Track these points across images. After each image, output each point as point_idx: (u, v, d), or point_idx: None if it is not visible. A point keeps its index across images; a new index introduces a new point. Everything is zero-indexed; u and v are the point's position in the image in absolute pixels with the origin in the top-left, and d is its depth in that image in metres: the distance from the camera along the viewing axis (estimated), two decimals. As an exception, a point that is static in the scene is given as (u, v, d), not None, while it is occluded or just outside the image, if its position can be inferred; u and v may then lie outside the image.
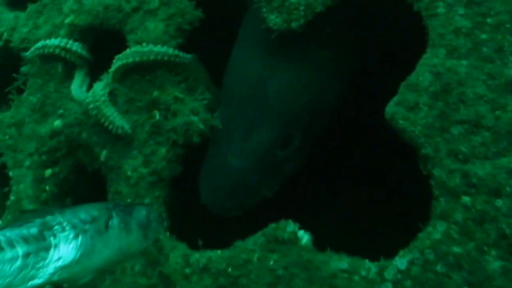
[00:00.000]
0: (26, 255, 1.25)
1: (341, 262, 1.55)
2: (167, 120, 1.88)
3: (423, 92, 1.59)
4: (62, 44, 2.11)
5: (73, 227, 1.31)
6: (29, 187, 2.06)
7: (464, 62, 1.59)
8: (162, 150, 1.86)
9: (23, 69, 2.26)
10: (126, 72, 1.97)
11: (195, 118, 1.85)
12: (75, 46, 2.11)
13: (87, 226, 1.32)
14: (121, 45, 2.01)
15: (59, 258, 1.28)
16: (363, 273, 1.52)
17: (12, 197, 2.10)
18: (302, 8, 1.75)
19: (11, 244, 1.26)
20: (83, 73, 2.12)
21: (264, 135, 1.81)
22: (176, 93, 1.90)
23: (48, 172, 2.06)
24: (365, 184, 2.37)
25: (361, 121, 2.22)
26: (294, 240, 1.59)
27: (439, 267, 1.47)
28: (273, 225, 1.63)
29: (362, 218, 2.34)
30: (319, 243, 1.60)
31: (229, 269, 1.61)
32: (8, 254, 1.25)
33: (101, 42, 2.16)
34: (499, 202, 1.46)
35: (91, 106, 1.94)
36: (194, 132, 1.85)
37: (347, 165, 2.39)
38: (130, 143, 1.91)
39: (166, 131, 1.87)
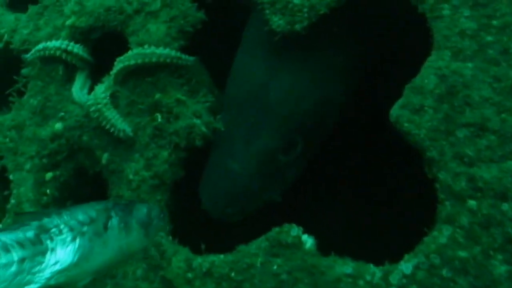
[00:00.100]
0: (22, 260, 1.24)
1: (345, 267, 1.53)
2: (169, 123, 1.87)
3: (428, 95, 1.58)
4: (63, 46, 2.10)
5: (71, 229, 1.29)
6: (30, 191, 2.05)
7: (469, 65, 1.58)
8: (164, 153, 1.85)
9: (24, 71, 2.25)
10: (128, 74, 1.95)
11: (197, 121, 1.84)
12: (76, 48, 2.10)
13: (85, 228, 1.30)
14: (123, 47, 2.00)
15: (56, 262, 1.26)
16: (368, 277, 1.51)
17: (12, 201, 2.08)
18: (305, 10, 1.74)
19: (6, 249, 1.24)
20: (84, 76, 2.11)
21: (266, 140, 1.79)
22: (179, 96, 1.89)
23: (49, 175, 2.05)
24: (366, 186, 2.36)
25: (362, 122, 2.20)
26: (298, 244, 1.58)
27: (444, 272, 1.46)
28: (276, 229, 1.61)
29: (362, 220, 2.33)
30: (320, 245, 1.59)
31: (232, 274, 1.60)
32: (3, 259, 1.23)
33: (103, 44, 2.15)
34: (505, 206, 1.45)
35: (92, 108, 1.93)
36: (196, 135, 1.84)
37: (348, 166, 2.38)
38: (131, 146, 1.90)
39: (168, 134, 1.86)
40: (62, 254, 1.27)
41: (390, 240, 1.78)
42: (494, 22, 1.60)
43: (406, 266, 1.49)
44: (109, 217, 1.34)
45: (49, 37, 2.20)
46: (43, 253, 1.26)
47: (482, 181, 1.48)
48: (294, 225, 1.61)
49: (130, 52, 1.95)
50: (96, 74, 2.09)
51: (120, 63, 1.94)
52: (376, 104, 1.91)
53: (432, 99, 1.57)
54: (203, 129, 1.84)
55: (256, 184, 1.80)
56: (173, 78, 1.93)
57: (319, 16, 1.74)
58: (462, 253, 1.45)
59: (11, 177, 2.13)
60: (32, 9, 2.36)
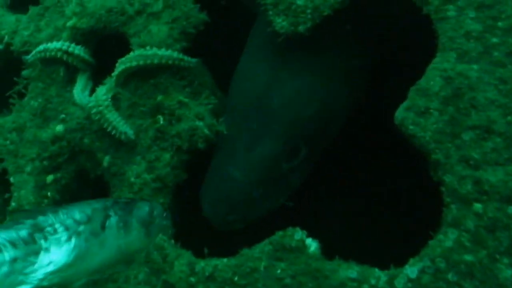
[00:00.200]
0: (13, 260, 1.21)
1: (350, 271, 1.52)
2: (171, 125, 1.85)
3: (433, 97, 1.56)
4: (64, 47, 2.09)
5: (66, 228, 1.27)
6: (30, 193, 2.03)
7: (475, 67, 1.57)
8: (167, 156, 1.84)
9: (24, 72, 2.24)
10: (130, 76, 1.94)
11: (200, 123, 1.83)
12: (77, 50, 2.09)
13: (81, 227, 1.28)
14: (124, 49, 1.99)
15: (50, 262, 1.24)
16: (373, 281, 1.49)
17: (13, 204, 2.07)
18: (309, 11, 1.72)
19: None
20: (85, 77, 2.10)
21: (268, 147, 1.76)
22: (181, 98, 1.87)
23: (50, 178, 2.03)
24: (370, 188, 2.34)
25: (367, 124, 2.19)
26: (302, 248, 1.56)
27: (450, 276, 1.44)
28: (280, 232, 1.60)
29: (366, 223, 2.32)
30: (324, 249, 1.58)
31: (236, 278, 1.58)
32: None
33: (104, 45, 2.14)
34: (511, 209, 1.44)
35: (93, 110, 1.92)
36: (199, 138, 1.82)
37: (352, 169, 2.37)
38: (133, 148, 1.89)
39: (170, 136, 1.85)
40: (56, 254, 1.25)
41: (395, 243, 1.77)
42: (500, 24, 1.59)
43: (411, 270, 1.47)
44: (107, 216, 1.32)
45: (50, 39, 2.19)
46: (36, 253, 1.24)
47: (488, 184, 1.46)
48: (298, 228, 1.59)
49: (131, 54, 1.94)
50: (97, 76, 2.08)
51: (121, 65, 1.93)
52: (379, 106, 1.90)
53: (437, 101, 1.56)
54: (206, 131, 1.82)
55: (258, 191, 1.77)
56: (175, 80, 1.92)
57: (323, 17, 1.73)
58: (468, 257, 1.44)
59: (11, 179, 2.11)
60: (33, 10, 2.35)
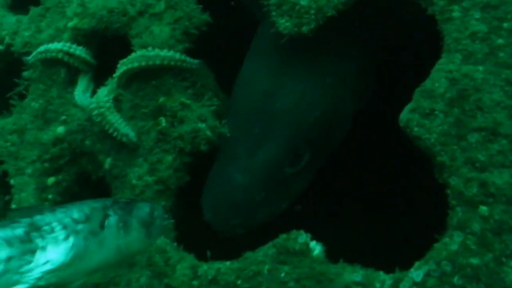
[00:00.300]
0: (8, 259, 1.19)
1: (354, 274, 1.50)
2: (173, 127, 1.84)
3: (438, 99, 1.55)
4: (65, 48, 2.08)
5: (64, 227, 1.24)
6: (31, 196, 2.02)
7: (480, 68, 1.56)
8: (169, 158, 1.82)
9: (25, 74, 2.23)
10: (131, 77, 1.93)
11: (202, 125, 1.82)
12: (79, 51, 2.08)
13: (79, 226, 1.25)
14: (126, 50, 1.97)
15: (46, 262, 1.22)
16: (378, 285, 1.48)
17: (13, 206, 2.05)
18: (313, 12, 1.71)
19: None
20: (87, 78, 2.08)
21: (271, 151, 1.74)
22: (183, 99, 1.86)
23: (51, 180, 2.02)
24: (374, 191, 2.33)
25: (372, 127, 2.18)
26: (306, 251, 1.55)
27: (456, 279, 1.43)
28: (284, 235, 1.58)
29: (371, 227, 2.31)
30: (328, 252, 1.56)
31: (239, 282, 1.57)
32: None
33: (106, 46, 2.12)
34: (517, 212, 1.42)
35: (95, 112, 1.90)
36: (201, 140, 1.81)
37: (357, 172, 2.35)
38: (135, 150, 1.88)
39: (172, 138, 1.83)
40: (53, 253, 1.23)
41: (400, 247, 1.76)
42: (505, 25, 1.58)
43: (416, 273, 1.46)
44: (106, 216, 1.30)
45: (51, 39, 2.17)
46: (33, 251, 1.22)
47: (494, 187, 1.45)
48: (302, 231, 1.58)
49: (133, 55, 1.92)
50: (99, 77, 2.06)
51: (123, 66, 1.92)
52: (383, 107, 1.89)
53: (442, 103, 1.55)
54: (208, 133, 1.81)
55: (260, 196, 1.75)
56: (178, 81, 1.90)
57: (327, 18, 1.71)
58: (474, 260, 1.43)
59: (12, 182, 2.10)
60: (33, 11, 2.33)
